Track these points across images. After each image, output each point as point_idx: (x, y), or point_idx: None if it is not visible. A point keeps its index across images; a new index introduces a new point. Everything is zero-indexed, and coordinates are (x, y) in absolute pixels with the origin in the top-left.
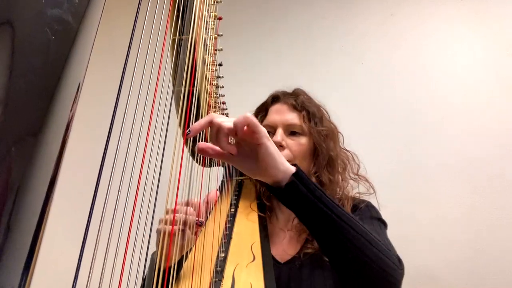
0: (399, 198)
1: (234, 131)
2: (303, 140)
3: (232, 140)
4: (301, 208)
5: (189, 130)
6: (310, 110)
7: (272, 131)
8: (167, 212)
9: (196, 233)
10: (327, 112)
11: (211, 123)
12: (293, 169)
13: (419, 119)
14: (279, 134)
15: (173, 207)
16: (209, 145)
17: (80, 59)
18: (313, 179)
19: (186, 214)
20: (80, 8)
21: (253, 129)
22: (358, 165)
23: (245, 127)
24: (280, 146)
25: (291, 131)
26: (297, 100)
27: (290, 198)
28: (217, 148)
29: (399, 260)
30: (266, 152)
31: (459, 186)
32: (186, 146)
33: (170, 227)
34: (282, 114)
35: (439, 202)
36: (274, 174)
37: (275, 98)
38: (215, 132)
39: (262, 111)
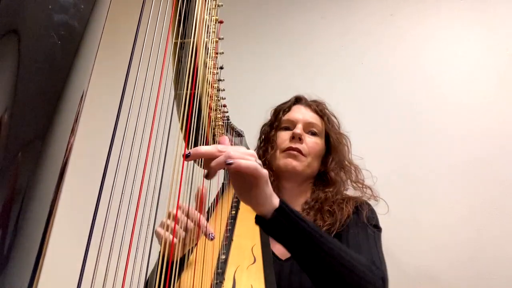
0: (399, 199)
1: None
2: (320, 141)
3: None
4: (285, 241)
5: (189, 153)
6: (329, 118)
7: (291, 126)
8: (168, 216)
9: (196, 242)
10: (338, 123)
11: (219, 153)
12: (277, 203)
13: (419, 119)
14: (300, 128)
15: (174, 208)
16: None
17: (86, 63)
18: (332, 174)
19: (186, 226)
20: (85, 14)
21: (256, 175)
22: (363, 178)
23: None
24: (299, 139)
25: (310, 131)
26: (319, 106)
27: (273, 231)
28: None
29: (383, 280)
30: (260, 193)
31: (459, 186)
32: (188, 149)
33: (171, 235)
34: (305, 114)
35: (439, 202)
36: (260, 210)
37: (298, 99)
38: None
39: (284, 108)
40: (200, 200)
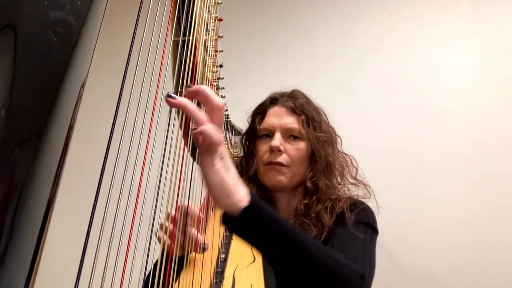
0: (399, 199)
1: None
2: (301, 145)
3: None
4: (253, 242)
5: (171, 95)
6: (309, 114)
7: (270, 134)
8: (167, 217)
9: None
10: (325, 115)
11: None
12: (244, 203)
13: (419, 119)
14: (277, 138)
15: (173, 207)
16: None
17: (83, 61)
18: (309, 184)
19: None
20: (82, 10)
21: (205, 144)
22: (357, 169)
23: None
24: (278, 151)
25: (290, 135)
26: (296, 103)
27: (241, 232)
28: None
29: (362, 277)
30: (210, 182)
31: (459, 186)
32: (187, 147)
33: (169, 239)
34: (281, 118)
35: (439, 202)
36: (223, 203)
37: (273, 100)
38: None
39: (259, 113)
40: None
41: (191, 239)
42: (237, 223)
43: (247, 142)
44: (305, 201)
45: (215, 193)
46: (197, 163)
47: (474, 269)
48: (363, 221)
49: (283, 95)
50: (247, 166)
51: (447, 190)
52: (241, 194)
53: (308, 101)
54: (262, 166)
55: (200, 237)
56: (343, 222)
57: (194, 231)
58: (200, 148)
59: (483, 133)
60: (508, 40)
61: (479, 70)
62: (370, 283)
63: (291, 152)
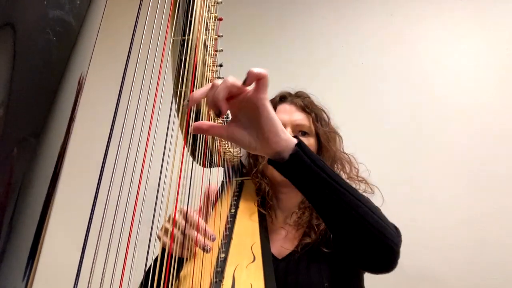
0: (399, 199)
1: (237, 87)
2: (311, 140)
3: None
4: (305, 179)
5: (187, 100)
6: (317, 113)
7: None
8: (168, 219)
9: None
10: (328, 115)
11: (212, 86)
12: (294, 139)
13: (419, 119)
14: (288, 132)
15: (173, 207)
16: (204, 122)
17: (82, 60)
18: None
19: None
20: (81, 10)
21: (261, 85)
22: (357, 168)
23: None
24: None
25: (300, 131)
26: (305, 101)
27: (294, 169)
28: (211, 123)
29: (396, 229)
30: (268, 116)
31: (459, 186)
32: (187, 147)
33: (169, 240)
34: (291, 114)
35: (439, 202)
36: (276, 141)
37: (282, 98)
38: (214, 93)
39: None
40: (206, 197)
41: (192, 241)
42: (289, 162)
43: None
44: None
45: (272, 129)
46: (197, 163)
47: (474, 269)
48: None
49: (290, 94)
50: (255, 162)
51: (447, 190)
52: (289, 136)
53: (312, 101)
54: None
55: (201, 239)
56: None
57: (194, 233)
58: (257, 91)
59: (483, 132)
60: (508, 40)
61: (479, 69)
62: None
63: None
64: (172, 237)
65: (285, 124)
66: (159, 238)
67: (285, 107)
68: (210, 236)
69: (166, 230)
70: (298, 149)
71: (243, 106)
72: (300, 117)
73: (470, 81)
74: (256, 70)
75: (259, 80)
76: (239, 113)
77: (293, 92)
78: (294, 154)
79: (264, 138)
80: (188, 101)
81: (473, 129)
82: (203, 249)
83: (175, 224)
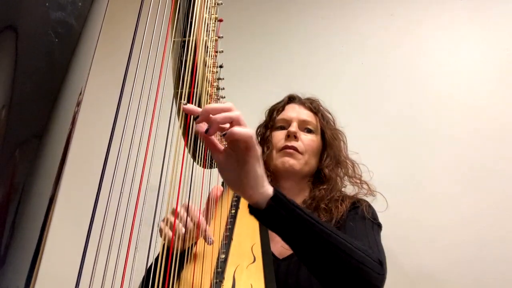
0: (400, 199)
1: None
2: (315, 138)
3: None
4: (281, 230)
5: (186, 102)
6: (324, 114)
7: (286, 126)
8: (172, 212)
9: (196, 238)
10: (333, 120)
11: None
12: (271, 192)
13: (420, 120)
14: (295, 126)
15: (174, 207)
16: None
17: (83, 61)
18: (326, 171)
19: (186, 224)
20: (83, 11)
21: (248, 146)
22: (360, 174)
23: (243, 144)
24: (295, 137)
25: (305, 128)
26: (313, 103)
27: (269, 221)
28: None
29: (381, 264)
30: (250, 171)
31: (460, 186)
32: (187, 148)
33: (170, 231)
34: (299, 112)
35: (439, 202)
36: (251, 194)
37: (291, 98)
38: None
39: (278, 107)
40: (208, 202)
41: (194, 230)
42: (265, 212)
43: (263, 130)
44: (323, 186)
45: (251, 183)
46: (198, 164)
47: (475, 268)
48: (369, 217)
49: (300, 97)
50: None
51: (448, 190)
52: (267, 186)
53: (322, 105)
54: (275, 153)
55: (205, 227)
56: (351, 217)
57: (197, 213)
58: (237, 149)
59: (484, 132)
60: (508, 40)
61: (479, 70)
62: (386, 271)
63: (305, 141)
64: (174, 230)
65: (291, 119)
66: (160, 231)
67: (293, 106)
68: (209, 240)
69: (167, 222)
70: (272, 203)
71: (235, 146)
72: (306, 115)
73: (470, 81)
74: (240, 132)
75: (245, 142)
76: (233, 150)
77: (303, 97)
78: (267, 208)
79: (243, 185)
80: (186, 103)
81: (474, 129)
82: (205, 240)
83: (177, 216)
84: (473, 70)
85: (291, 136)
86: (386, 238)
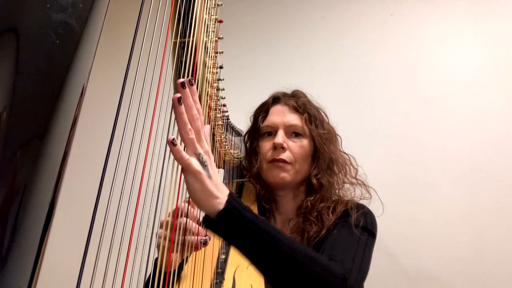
0: (399, 199)
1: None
2: (304, 142)
3: None
4: (233, 241)
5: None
6: (311, 113)
7: (273, 131)
8: (168, 215)
9: (196, 247)
10: (325, 115)
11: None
12: (221, 205)
13: (420, 120)
14: (280, 135)
15: (173, 209)
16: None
17: (84, 62)
18: (314, 181)
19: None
20: (83, 13)
21: (183, 169)
22: (356, 169)
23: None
24: (282, 148)
25: (293, 132)
26: (298, 101)
27: (220, 232)
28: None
29: (344, 278)
30: (192, 189)
31: (459, 186)
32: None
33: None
34: (284, 116)
35: (439, 202)
36: (200, 205)
37: (275, 99)
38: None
39: (262, 112)
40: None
41: (190, 238)
42: (215, 224)
43: (249, 141)
44: (310, 198)
45: (196, 197)
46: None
47: (474, 268)
48: (362, 225)
49: (285, 94)
50: (250, 165)
51: (446, 190)
52: (220, 198)
53: (309, 100)
54: (265, 164)
55: (198, 230)
56: (341, 224)
57: (194, 226)
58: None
59: (482, 133)
60: (508, 40)
61: (479, 70)
62: (356, 287)
63: (294, 149)
64: (172, 241)
65: (277, 125)
66: (158, 247)
67: (277, 109)
68: (205, 238)
69: (164, 237)
70: (220, 216)
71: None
72: (292, 119)
73: (470, 81)
74: (177, 156)
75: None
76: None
77: (289, 92)
78: (217, 220)
79: (192, 196)
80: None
81: (473, 129)
82: (203, 243)
83: (174, 227)
84: (473, 70)
85: (278, 148)
86: (386, 238)
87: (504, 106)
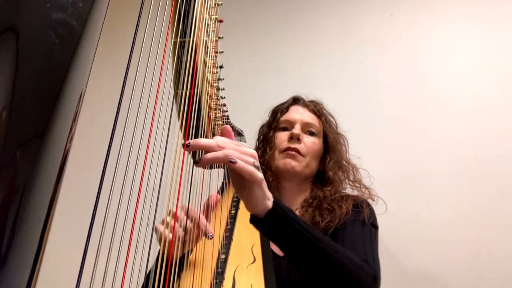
0: (399, 199)
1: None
2: (318, 141)
3: None
4: (278, 240)
5: (189, 143)
6: (327, 118)
7: (289, 127)
8: (168, 214)
9: (196, 240)
10: (336, 124)
11: (218, 148)
12: (270, 205)
13: (419, 119)
14: (298, 128)
15: (174, 209)
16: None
17: (84, 62)
18: (330, 174)
19: (185, 226)
20: (83, 12)
21: (250, 180)
22: (360, 178)
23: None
24: (297, 139)
25: (308, 131)
26: (317, 106)
27: (267, 231)
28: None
29: (375, 279)
30: (252, 195)
31: (459, 186)
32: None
33: (170, 234)
34: (302, 114)
35: (439, 202)
36: (252, 209)
37: (296, 100)
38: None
39: (283, 108)
40: (207, 207)
41: (194, 231)
42: (263, 223)
43: (266, 130)
44: (327, 188)
45: (253, 202)
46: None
47: (474, 269)
48: (370, 221)
49: (304, 99)
50: (263, 153)
51: (448, 191)
52: (267, 202)
53: (325, 108)
54: (278, 153)
55: (205, 223)
56: (352, 219)
57: (197, 213)
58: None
59: (484, 132)
60: (508, 40)
61: (479, 69)
62: (379, 285)
63: (308, 144)
64: (174, 232)
65: (295, 121)
66: (159, 235)
67: (297, 108)
68: (209, 234)
69: (166, 224)
70: (269, 215)
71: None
72: (310, 117)
73: (470, 81)
74: (243, 169)
75: (249, 176)
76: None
77: (307, 99)
78: (265, 219)
79: (246, 200)
80: (189, 144)
81: (475, 129)
82: (206, 235)
83: (176, 219)
84: (473, 69)
85: (294, 138)
86: (386, 238)
87: (505, 106)
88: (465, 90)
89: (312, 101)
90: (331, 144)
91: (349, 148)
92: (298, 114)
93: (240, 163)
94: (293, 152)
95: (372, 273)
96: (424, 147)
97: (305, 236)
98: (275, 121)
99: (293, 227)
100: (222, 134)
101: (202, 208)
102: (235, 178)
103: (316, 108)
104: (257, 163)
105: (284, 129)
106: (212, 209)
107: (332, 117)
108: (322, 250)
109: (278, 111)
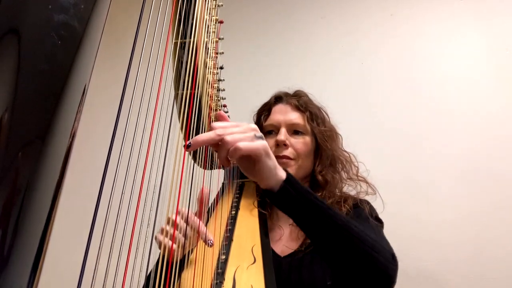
0: (399, 199)
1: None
2: (307, 139)
3: None
4: (294, 211)
5: (190, 143)
6: (312, 111)
7: (275, 130)
8: (168, 221)
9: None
10: (326, 114)
11: (218, 137)
12: (284, 175)
13: (420, 119)
14: (283, 133)
15: (174, 209)
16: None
17: (86, 63)
18: (319, 177)
19: (185, 232)
20: (85, 14)
21: (255, 155)
22: (357, 167)
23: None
24: (284, 145)
25: (295, 130)
26: (300, 101)
27: (282, 202)
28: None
29: (393, 257)
30: (263, 167)
31: (459, 186)
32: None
33: (170, 241)
34: (286, 114)
35: (439, 202)
36: (266, 183)
37: (278, 98)
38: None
39: (265, 111)
40: (201, 201)
41: (194, 236)
42: (280, 194)
43: None
44: (318, 194)
45: (265, 175)
46: (198, 165)
47: (474, 268)
48: (374, 215)
49: (287, 94)
50: None
51: (446, 189)
52: (280, 172)
53: (310, 99)
54: None
55: (204, 231)
56: (357, 216)
57: (196, 220)
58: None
59: (482, 132)
60: (508, 40)
61: (479, 69)
62: (397, 266)
63: (296, 145)
64: (174, 239)
65: (279, 124)
66: (159, 242)
67: (280, 107)
68: (208, 242)
69: (166, 233)
70: (284, 185)
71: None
72: (294, 117)
73: (470, 81)
74: (246, 148)
75: (253, 155)
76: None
77: (290, 92)
78: (280, 190)
79: (259, 176)
80: (190, 143)
81: (473, 128)
82: (206, 243)
83: (176, 226)
84: (473, 69)
85: (281, 145)
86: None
87: (505, 106)
88: (466, 90)
89: (295, 95)
90: (318, 141)
91: (346, 146)
92: (281, 114)
93: (241, 145)
94: (284, 160)
95: (388, 251)
96: (424, 147)
97: (321, 207)
98: (259, 126)
99: (309, 198)
100: (217, 120)
101: (197, 204)
102: (242, 160)
103: (299, 103)
104: (259, 134)
105: (270, 132)
106: (206, 204)
107: (319, 109)
108: (340, 221)
109: (261, 115)
